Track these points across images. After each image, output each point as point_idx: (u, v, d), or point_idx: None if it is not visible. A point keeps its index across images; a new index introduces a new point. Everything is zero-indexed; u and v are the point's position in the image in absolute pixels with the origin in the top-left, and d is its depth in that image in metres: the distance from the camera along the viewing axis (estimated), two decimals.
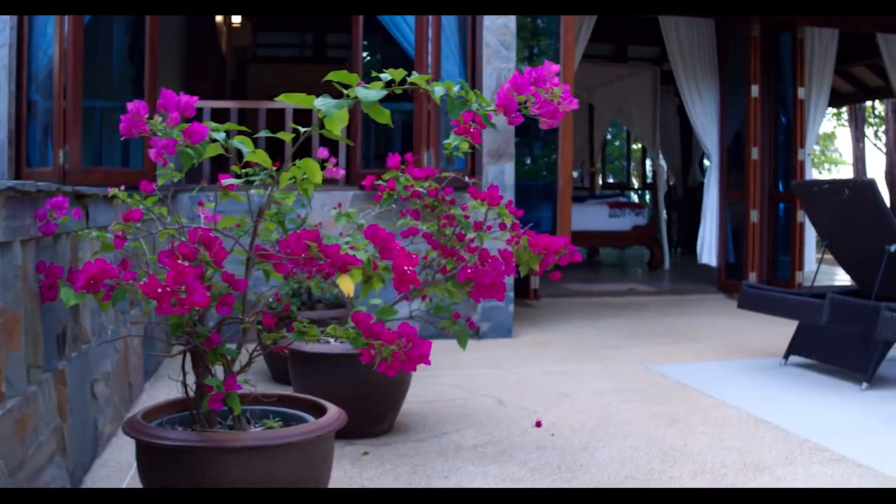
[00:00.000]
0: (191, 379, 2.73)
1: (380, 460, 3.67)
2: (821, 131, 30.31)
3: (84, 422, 3.58)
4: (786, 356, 5.69)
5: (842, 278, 10.53)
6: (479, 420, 4.28)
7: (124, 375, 4.53)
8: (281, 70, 14.57)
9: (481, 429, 4.12)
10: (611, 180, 22.86)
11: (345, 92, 2.38)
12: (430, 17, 6.40)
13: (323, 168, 3.27)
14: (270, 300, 2.85)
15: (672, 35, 9.48)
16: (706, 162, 11.24)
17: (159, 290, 2.15)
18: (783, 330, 6.12)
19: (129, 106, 2.26)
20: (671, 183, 16.22)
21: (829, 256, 6.24)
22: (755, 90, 9.16)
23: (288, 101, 2.43)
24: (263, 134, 2.50)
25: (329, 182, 6.08)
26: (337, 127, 2.44)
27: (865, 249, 5.43)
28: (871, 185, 5.25)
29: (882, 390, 4.96)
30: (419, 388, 4.96)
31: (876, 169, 23.39)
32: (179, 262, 2.24)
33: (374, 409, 4.01)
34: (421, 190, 3.50)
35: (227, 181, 2.64)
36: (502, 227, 3.68)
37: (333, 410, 2.81)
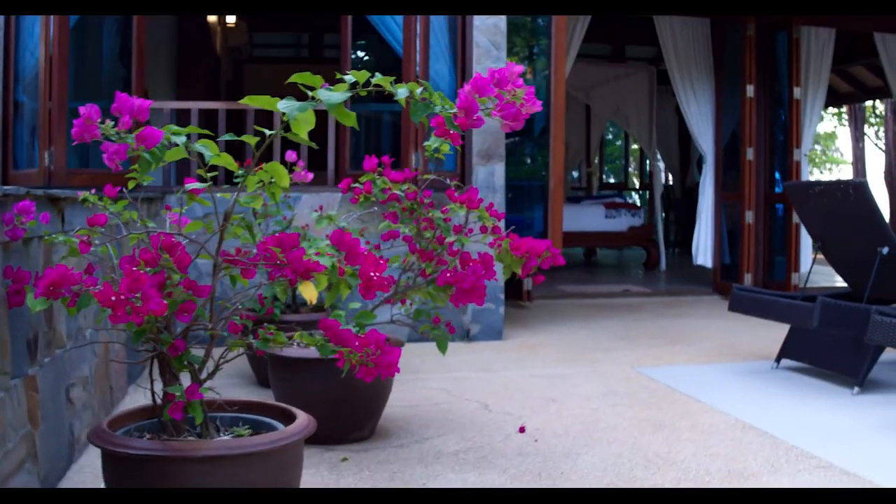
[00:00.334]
0: (160, 386, 2.68)
1: (358, 467, 3.61)
2: (821, 131, 30.35)
3: (58, 428, 3.52)
4: (777, 359, 5.63)
5: (839, 280, 10.46)
6: (463, 425, 4.22)
7: (104, 379, 4.48)
8: (278, 70, 14.45)
9: (464, 434, 4.06)
10: (612, 180, 22.80)
11: (310, 94, 2.33)
12: (419, 16, 6.34)
13: (291, 171, 3.22)
14: (240, 305, 2.79)
15: (667, 34, 9.41)
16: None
17: (113, 299, 2.09)
18: (776, 332, 6.05)
19: (82, 110, 2.20)
20: (670, 183, 16.17)
21: (824, 258, 6.18)
22: (750, 90, 9.09)
23: (252, 104, 2.37)
24: (226, 137, 2.44)
25: (318, 183, 6.04)
26: (303, 130, 2.39)
27: (857, 251, 5.37)
28: (863, 186, 5.18)
29: (874, 394, 4.90)
30: (405, 391, 4.90)
31: (876, 168, 23.29)
32: (135, 269, 2.18)
33: (354, 414, 3.95)
34: (399, 193, 3.43)
35: (192, 185, 2.58)
36: (483, 230, 3.63)
37: (302, 419, 2.74)
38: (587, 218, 12.24)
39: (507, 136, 8.24)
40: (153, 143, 2.15)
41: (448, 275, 3.44)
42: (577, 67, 11.77)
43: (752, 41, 9.10)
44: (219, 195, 2.72)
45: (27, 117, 6.65)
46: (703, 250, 9.64)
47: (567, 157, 16.59)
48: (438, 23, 6.61)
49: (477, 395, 4.85)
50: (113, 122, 2.17)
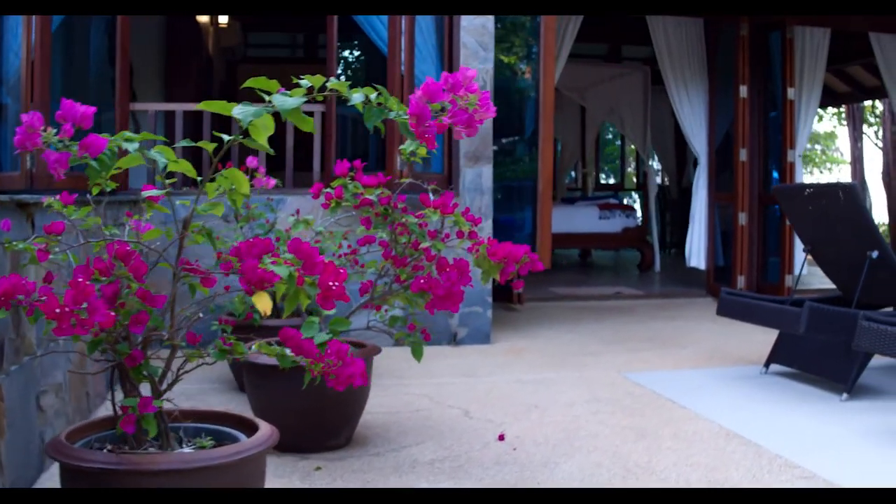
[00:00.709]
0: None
1: (331, 476, 3.54)
2: (821, 130, 30.25)
3: (27, 436, 3.46)
4: (766, 364, 5.56)
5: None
6: (442, 433, 4.15)
7: (80, 386, 4.41)
8: (272, 70, 14.35)
9: (442, 442, 3.99)
10: (612, 181, 22.69)
11: (266, 99, 2.26)
12: (403, 16, 6.27)
13: (253, 177, 3.16)
14: (201, 314, 2.72)
15: (660, 34, 9.33)
16: None
17: (57, 311, 2.02)
18: (768, 336, 5.95)
19: (24, 117, 2.13)
20: (666, 184, 16.08)
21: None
22: (744, 90, 9.01)
23: (208, 109, 2.31)
24: (182, 143, 2.38)
25: (304, 185, 5.97)
26: (262, 136, 2.32)
27: (847, 255, 5.30)
28: (853, 189, 5.11)
29: (863, 401, 4.82)
30: (386, 397, 4.84)
31: (874, 168, 23.18)
32: (89, 279, 2.11)
33: (329, 421, 3.88)
34: (372, 198, 3.36)
35: (150, 192, 2.51)
36: (460, 235, 3.56)
37: (264, 430, 2.67)
38: (581, 219, 12.16)
39: (499, 136, 8.18)
40: (97, 150, 2.08)
41: (422, 281, 3.37)
42: (571, 68, 11.69)
43: (746, 41, 9.02)
44: (178, 202, 2.65)
45: (11, 120, 6.57)
46: (697, 252, 9.57)
47: (563, 158, 16.53)
48: (426, 23, 6.54)
49: (459, 401, 4.78)
50: (56, 130, 2.10)
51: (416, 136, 1.94)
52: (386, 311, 3.71)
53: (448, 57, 6.59)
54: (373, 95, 2.03)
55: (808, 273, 9.99)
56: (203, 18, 11.21)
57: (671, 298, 9.37)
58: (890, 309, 5.54)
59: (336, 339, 2.52)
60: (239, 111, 2.24)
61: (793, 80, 9.05)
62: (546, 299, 9.04)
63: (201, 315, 2.72)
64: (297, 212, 4.27)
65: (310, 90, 2.24)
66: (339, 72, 14.98)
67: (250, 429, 2.78)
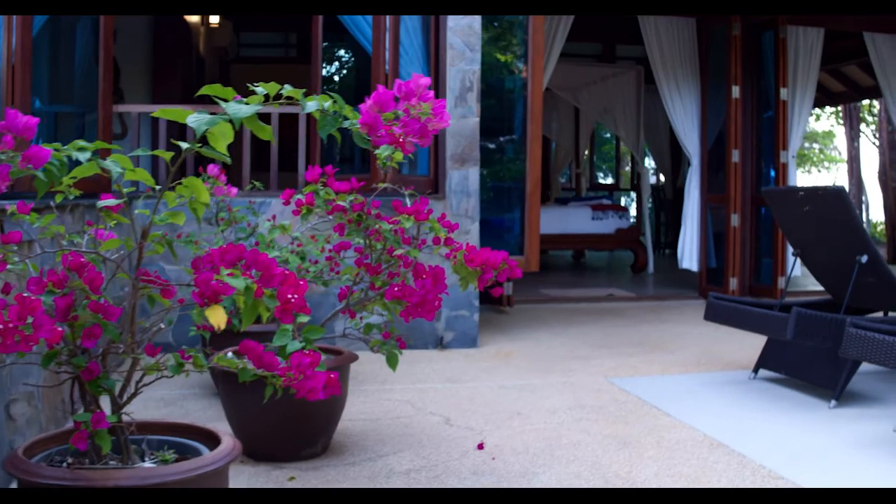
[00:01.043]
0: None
1: (305, 486, 3.47)
2: (819, 129, 30.19)
3: None
4: (755, 370, 5.49)
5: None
6: (420, 441, 4.08)
7: (55, 393, 4.34)
8: (266, 70, 14.33)
9: (420, 451, 3.92)
10: (610, 181, 22.61)
11: (223, 106, 2.19)
12: (388, 16, 6.19)
13: (214, 185, 3.09)
14: (163, 325, 2.65)
15: (651, 34, 9.26)
16: None
17: (0, 326, 1.95)
18: (759, 340, 5.88)
19: None
20: (661, 184, 16.00)
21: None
22: (736, 91, 8.94)
23: (163, 116, 2.24)
24: (138, 153, 2.30)
25: (291, 188, 5.89)
26: (221, 144, 2.25)
27: (836, 259, 5.23)
28: (841, 192, 5.04)
29: (851, 408, 4.75)
30: (368, 403, 4.77)
31: (871, 168, 23.11)
32: (27, 294, 2.04)
33: (304, 430, 3.81)
34: (344, 204, 3.29)
35: (108, 202, 2.44)
36: (436, 241, 3.49)
37: (226, 444, 2.60)
38: (574, 220, 12.08)
39: (493, 136, 8.10)
40: (40, 162, 2.01)
41: (396, 289, 3.31)
42: (564, 68, 11.62)
43: (738, 41, 8.94)
44: (137, 211, 2.58)
45: None
46: (689, 254, 9.50)
47: (557, 158, 16.46)
48: (412, 23, 6.47)
49: (441, 407, 4.71)
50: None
51: (371, 145, 1.86)
52: (361, 318, 3.63)
53: (434, 58, 6.51)
54: (327, 103, 1.95)
55: (802, 275, 9.93)
56: (193, 18, 11.14)
57: (663, 301, 9.30)
58: (879, 314, 5.48)
59: (301, 350, 2.44)
60: (193, 119, 2.17)
61: (786, 79, 8.98)
62: (537, 301, 8.97)
63: (162, 326, 2.65)
64: (274, 217, 4.19)
65: (266, 97, 2.17)
66: (333, 71, 14.92)
67: (215, 441, 2.71)
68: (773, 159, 9.14)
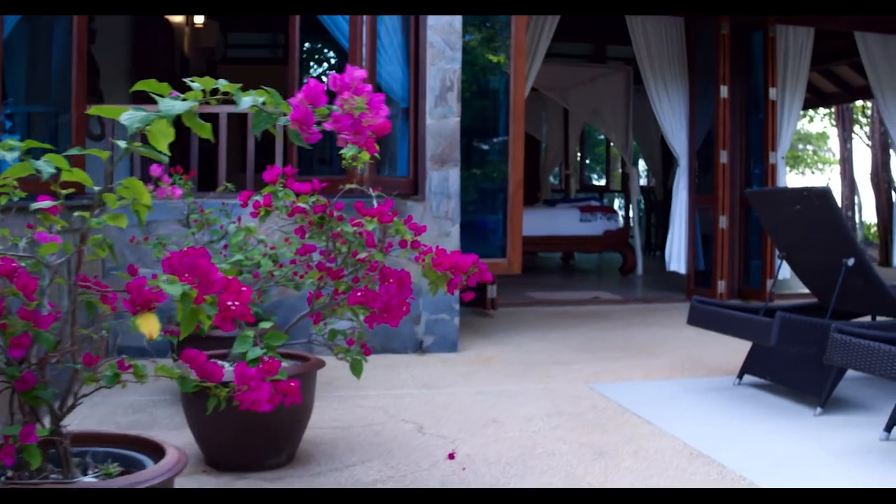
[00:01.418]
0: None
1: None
2: (813, 130, 30.09)
3: None
4: (740, 375, 5.37)
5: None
6: (391, 450, 3.95)
7: (5, 407, 4.19)
8: (254, 71, 14.21)
9: (389, 461, 3.79)
10: (604, 182, 22.47)
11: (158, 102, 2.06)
12: (365, 15, 6.07)
13: (157, 186, 2.96)
14: (104, 332, 2.52)
15: (639, 34, 9.14)
16: None
17: None
18: (745, 344, 5.75)
19: None
20: (652, 185, 15.89)
21: None
22: (724, 91, 8.82)
23: (98, 114, 2.12)
24: (73, 152, 2.17)
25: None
26: (161, 143, 2.13)
27: (823, 262, 5.11)
28: (827, 193, 4.91)
29: (837, 415, 4.62)
30: (340, 409, 4.65)
31: (864, 169, 22.99)
32: None
33: (268, 439, 3.68)
34: (305, 206, 3.16)
35: (43, 203, 2.31)
36: (402, 244, 3.37)
37: (170, 457, 2.47)
38: (562, 221, 11.95)
39: (480, 136, 7.99)
40: None
41: (359, 294, 3.18)
42: (552, 68, 11.50)
43: (726, 40, 8.82)
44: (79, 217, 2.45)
45: None
46: (677, 256, 9.38)
47: (547, 159, 16.33)
48: (391, 21, 6.34)
49: (415, 414, 4.58)
50: None
51: (305, 142, 1.74)
52: (325, 324, 3.50)
53: (414, 56, 6.38)
54: (261, 99, 1.82)
55: (792, 277, 9.80)
56: (177, 18, 11.01)
57: (650, 304, 9.17)
58: (867, 318, 5.36)
59: (241, 363, 2.32)
60: (126, 117, 2.05)
61: (775, 79, 8.87)
62: (522, 304, 8.84)
63: (106, 333, 2.52)
64: (239, 219, 4.05)
65: (205, 93, 2.04)
66: (321, 72, 14.79)
67: (161, 453, 2.58)
68: (762, 160, 9.02)
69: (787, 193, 5.18)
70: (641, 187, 15.82)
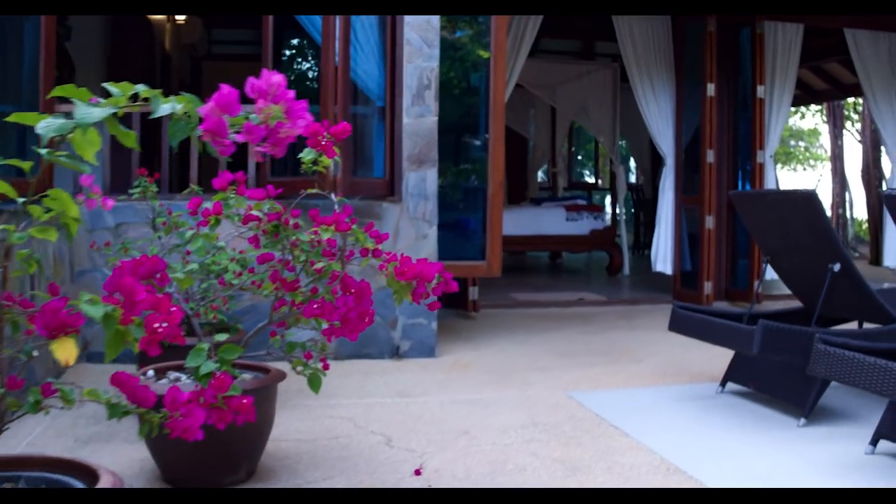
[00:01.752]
0: None
1: None
2: (805, 127, 29.97)
3: None
4: (723, 383, 5.22)
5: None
6: (356, 465, 3.79)
7: None
8: (239, 68, 14.01)
9: (353, 477, 3.64)
10: (597, 181, 22.32)
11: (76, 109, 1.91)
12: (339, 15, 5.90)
13: (88, 198, 2.81)
14: (35, 354, 2.36)
15: (625, 31, 8.98)
16: None
17: None
18: (729, 350, 5.60)
19: None
20: (640, 184, 15.75)
21: None
22: (711, 89, 8.65)
23: (17, 121, 1.97)
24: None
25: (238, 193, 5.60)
26: (88, 152, 1.98)
27: (808, 266, 4.95)
28: (812, 196, 4.75)
29: (822, 426, 4.47)
30: (307, 420, 4.49)
31: (855, 166, 22.87)
32: None
33: (226, 454, 3.52)
34: (259, 214, 3.00)
35: None
36: (364, 253, 3.21)
37: (104, 482, 2.32)
38: (548, 221, 11.77)
39: (464, 135, 7.83)
40: None
41: (315, 307, 3.03)
42: (538, 65, 11.35)
43: (713, 37, 8.65)
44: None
45: None
46: (663, 257, 9.23)
47: (534, 158, 16.17)
48: (368, 18, 6.17)
49: (385, 425, 4.42)
50: None
51: (218, 154, 1.58)
52: (282, 336, 3.35)
53: (391, 54, 6.21)
54: (179, 106, 1.66)
55: (780, 279, 9.66)
56: (156, 16, 10.82)
57: (635, 305, 9.02)
58: (853, 325, 5.21)
59: (174, 387, 2.16)
60: (43, 126, 1.89)
61: (763, 77, 8.72)
62: (505, 306, 8.68)
63: (35, 354, 2.36)
64: (199, 225, 3.88)
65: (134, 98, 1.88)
66: (306, 68, 14.59)
67: (94, 478, 2.43)
68: (749, 159, 8.87)
69: (772, 196, 5.03)
70: (631, 185, 15.68)
